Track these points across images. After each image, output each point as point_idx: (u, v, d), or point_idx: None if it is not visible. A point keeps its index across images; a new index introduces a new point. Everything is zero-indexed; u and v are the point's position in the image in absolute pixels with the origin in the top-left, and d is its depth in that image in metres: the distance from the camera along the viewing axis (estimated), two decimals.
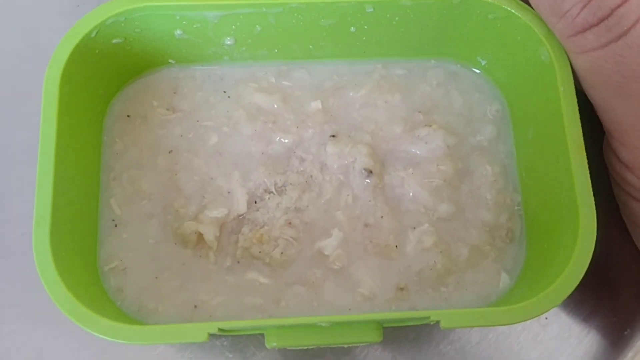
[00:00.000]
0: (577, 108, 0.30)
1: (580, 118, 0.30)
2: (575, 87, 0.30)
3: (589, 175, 0.29)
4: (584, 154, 0.29)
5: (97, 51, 0.32)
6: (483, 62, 0.36)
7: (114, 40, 0.32)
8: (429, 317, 0.27)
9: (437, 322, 0.27)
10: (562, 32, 0.29)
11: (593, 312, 0.35)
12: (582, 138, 0.29)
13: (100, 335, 0.26)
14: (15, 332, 0.34)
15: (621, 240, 0.35)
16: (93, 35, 0.31)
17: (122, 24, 0.31)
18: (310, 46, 0.35)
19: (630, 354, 0.34)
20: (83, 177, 0.32)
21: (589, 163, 0.29)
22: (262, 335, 0.29)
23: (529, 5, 0.31)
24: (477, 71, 0.36)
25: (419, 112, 0.35)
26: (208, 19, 0.32)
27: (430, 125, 0.35)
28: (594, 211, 0.28)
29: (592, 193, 0.29)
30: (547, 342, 0.34)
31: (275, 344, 0.28)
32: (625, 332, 0.34)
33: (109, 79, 0.34)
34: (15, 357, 0.33)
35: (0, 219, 0.35)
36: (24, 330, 0.34)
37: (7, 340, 0.33)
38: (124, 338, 0.26)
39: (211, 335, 0.27)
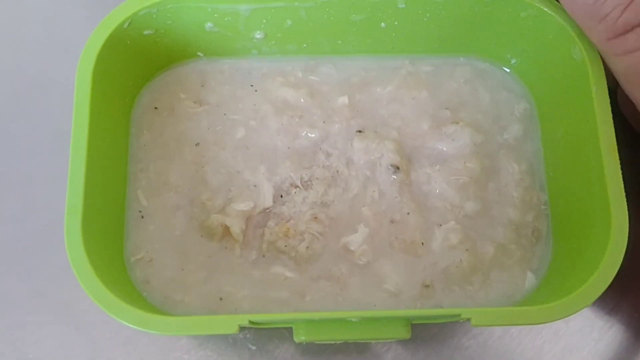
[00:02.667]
0: (609, 108, 0.29)
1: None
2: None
3: (621, 175, 0.29)
4: (617, 154, 0.29)
5: (128, 42, 0.32)
6: (513, 61, 0.36)
7: (146, 32, 0.32)
8: (459, 315, 0.27)
9: (467, 320, 0.27)
10: (601, 36, 0.29)
11: (615, 308, 0.35)
12: (614, 139, 0.29)
13: (130, 325, 0.26)
14: (36, 323, 0.34)
15: None
16: (126, 25, 0.31)
17: (154, 16, 0.32)
18: (339, 41, 0.35)
19: None
20: (112, 168, 0.32)
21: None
22: (287, 328, 0.29)
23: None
24: (507, 70, 0.36)
25: (446, 108, 0.35)
26: (240, 12, 0.32)
27: (457, 123, 0.35)
28: (627, 214, 0.28)
29: (624, 195, 0.28)
30: (569, 337, 0.34)
31: (303, 337, 0.28)
32: None
33: (138, 71, 0.34)
34: (36, 347, 0.33)
35: (24, 210, 0.35)
36: (44, 322, 0.34)
37: (26, 331, 0.34)
38: (153, 328, 0.26)
39: (241, 327, 0.27)
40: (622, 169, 0.29)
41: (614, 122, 0.30)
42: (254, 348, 0.34)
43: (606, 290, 0.27)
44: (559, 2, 0.31)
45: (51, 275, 0.34)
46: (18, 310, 0.34)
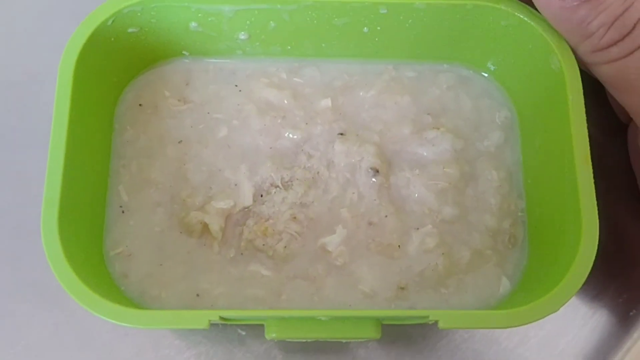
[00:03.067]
0: (584, 118, 0.30)
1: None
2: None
3: (593, 185, 0.29)
4: (590, 164, 0.29)
5: (112, 39, 0.32)
6: (493, 68, 0.36)
7: (130, 30, 0.33)
8: (427, 317, 0.27)
9: (436, 322, 0.27)
10: (586, 49, 0.31)
11: (599, 294, 0.35)
12: (588, 148, 0.29)
13: (104, 318, 0.27)
14: (29, 312, 0.34)
15: (629, 222, 0.36)
16: (109, 23, 0.31)
17: (139, 14, 0.32)
18: (323, 44, 0.35)
19: (635, 335, 0.35)
20: (93, 163, 0.32)
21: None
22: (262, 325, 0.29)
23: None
24: (486, 75, 0.36)
25: (428, 114, 0.36)
26: (223, 13, 0.33)
27: (438, 128, 0.35)
28: (597, 223, 0.28)
29: (595, 204, 0.29)
30: (553, 322, 0.34)
31: (274, 335, 0.28)
32: (631, 313, 0.35)
33: (123, 68, 0.34)
34: (28, 337, 0.34)
35: (15, 202, 0.36)
36: (37, 311, 0.34)
37: (21, 319, 0.34)
38: (126, 321, 0.27)
39: (212, 323, 0.27)
40: (607, 158, 0.30)
41: (601, 111, 0.30)
42: (243, 333, 0.34)
43: (590, 277, 0.28)
44: (540, 13, 0.32)
45: (43, 265, 0.34)
46: (10, 298, 0.34)
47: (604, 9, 0.29)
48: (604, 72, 0.31)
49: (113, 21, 0.31)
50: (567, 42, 0.31)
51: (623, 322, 0.35)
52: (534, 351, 0.35)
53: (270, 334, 0.28)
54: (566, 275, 0.28)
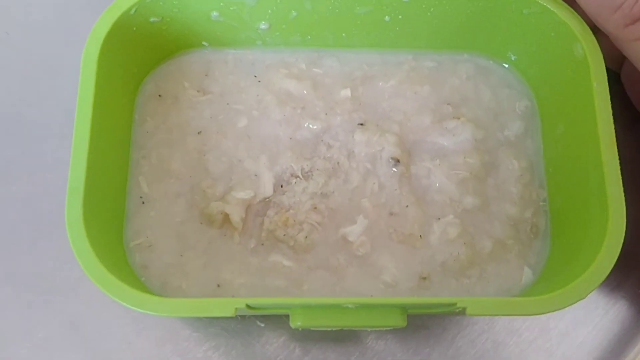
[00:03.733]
0: (609, 105, 0.30)
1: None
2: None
3: (619, 172, 0.29)
4: (616, 150, 0.29)
5: (134, 29, 0.32)
6: (513, 58, 0.36)
7: (152, 19, 0.33)
8: (455, 304, 0.27)
9: (463, 310, 0.27)
10: (617, 23, 0.30)
11: (620, 285, 0.35)
12: (614, 135, 0.29)
13: (129, 306, 0.27)
14: (50, 302, 0.34)
15: None
16: (132, 12, 0.31)
17: (161, 3, 0.32)
18: (343, 34, 0.35)
19: None
20: (114, 154, 0.32)
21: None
22: (287, 316, 0.29)
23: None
24: (506, 66, 0.36)
25: (448, 104, 0.36)
26: (245, 2, 0.33)
27: (458, 118, 0.35)
28: (624, 210, 0.28)
29: (622, 191, 0.29)
30: (574, 312, 0.35)
31: (299, 323, 0.28)
32: None
33: (143, 58, 0.34)
34: (47, 326, 0.34)
35: (35, 192, 0.36)
36: (58, 300, 0.34)
37: (41, 310, 0.34)
38: (152, 309, 0.27)
39: (238, 311, 0.27)
40: (623, 150, 0.29)
41: (617, 105, 0.30)
42: (262, 325, 0.34)
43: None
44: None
45: (62, 256, 0.34)
46: (29, 290, 0.34)
47: None
48: (637, 50, 0.30)
49: (136, 10, 0.31)
50: (597, 22, 0.31)
51: None
52: (554, 342, 0.35)
53: (296, 322, 0.28)
54: (594, 262, 0.28)
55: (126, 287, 0.27)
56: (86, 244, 0.27)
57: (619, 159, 0.29)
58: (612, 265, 0.28)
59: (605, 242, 0.28)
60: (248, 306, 0.27)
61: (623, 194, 0.29)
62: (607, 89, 0.30)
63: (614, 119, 0.30)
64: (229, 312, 0.27)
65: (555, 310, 0.27)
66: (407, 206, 0.33)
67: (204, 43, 0.36)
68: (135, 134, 0.34)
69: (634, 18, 0.29)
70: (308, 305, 0.28)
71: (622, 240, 0.28)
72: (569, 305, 0.27)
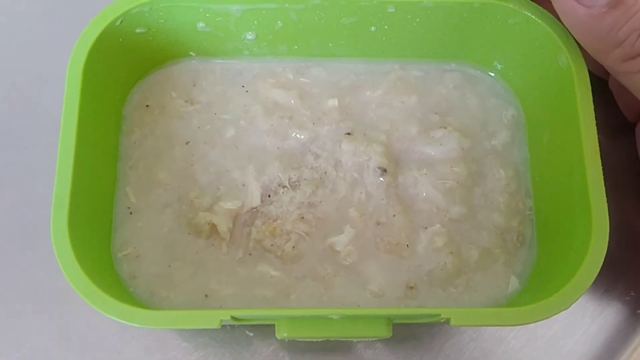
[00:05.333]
0: (593, 114, 0.30)
1: None
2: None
3: (602, 181, 0.29)
4: (599, 160, 0.29)
5: (120, 40, 0.32)
6: (499, 67, 0.36)
7: (138, 30, 0.33)
8: (439, 315, 0.27)
9: (447, 321, 0.27)
10: (617, 58, 0.29)
11: (607, 291, 0.35)
12: (597, 144, 0.29)
13: (115, 319, 0.27)
14: (37, 311, 0.34)
15: (635, 220, 0.36)
16: (118, 23, 0.31)
17: (147, 14, 0.32)
18: (330, 44, 0.35)
19: None
20: (101, 164, 0.32)
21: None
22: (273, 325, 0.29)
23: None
24: (493, 75, 0.36)
25: (435, 113, 0.36)
26: (231, 13, 0.33)
27: (445, 127, 0.35)
28: (607, 219, 0.28)
29: (605, 200, 0.29)
30: (561, 320, 0.34)
31: (285, 334, 0.28)
32: (638, 311, 0.35)
33: (130, 68, 0.34)
34: (36, 337, 0.34)
35: (22, 201, 0.36)
36: (45, 310, 0.34)
37: (28, 319, 0.34)
38: (137, 322, 0.27)
39: (223, 323, 0.27)
40: (611, 156, 0.29)
41: (605, 112, 0.30)
42: (251, 334, 0.34)
43: (598, 275, 0.28)
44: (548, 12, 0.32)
45: (49, 266, 0.34)
46: (17, 299, 0.34)
47: (633, 14, 0.27)
48: (636, 82, 0.30)
49: (122, 21, 0.31)
50: (595, 55, 0.30)
51: (631, 320, 0.35)
52: (542, 350, 0.35)
53: (282, 334, 0.28)
54: (577, 272, 0.28)
55: (111, 299, 0.27)
56: (71, 256, 0.27)
57: (606, 166, 0.29)
58: (595, 275, 0.28)
59: (588, 253, 0.28)
60: (233, 318, 0.27)
61: (606, 202, 0.29)
62: (591, 98, 0.30)
63: (600, 126, 0.30)
64: (214, 324, 0.27)
65: (539, 321, 0.27)
66: (394, 215, 0.33)
67: (191, 53, 0.36)
68: (122, 144, 0.34)
69: (634, 54, 0.29)
70: (293, 317, 0.28)
71: (605, 249, 0.28)
72: (552, 316, 0.27)
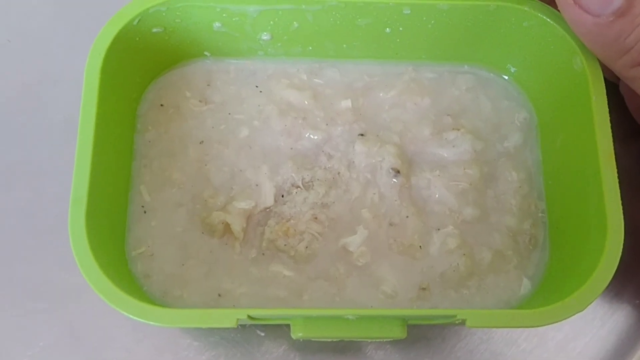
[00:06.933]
0: (608, 117, 0.30)
1: None
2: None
3: (617, 183, 0.29)
4: (614, 162, 0.29)
5: (137, 39, 0.32)
6: (513, 70, 0.36)
7: (154, 29, 0.33)
8: (455, 316, 0.27)
9: (463, 322, 0.27)
10: (625, 64, 0.30)
11: (617, 295, 0.35)
12: (612, 147, 0.29)
13: (132, 317, 0.27)
14: (48, 311, 0.34)
15: None
16: (135, 22, 0.31)
17: (164, 14, 0.32)
18: (344, 45, 0.35)
19: None
20: (116, 163, 0.32)
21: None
22: (287, 325, 0.29)
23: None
24: (506, 77, 0.37)
25: (448, 115, 0.36)
26: (248, 13, 0.33)
27: (458, 129, 0.35)
28: (622, 223, 0.29)
29: (620, 202, 0.29)
30: (572, 323, 0.35)
31: (300, 334, 0.28)
32: None
33: (146, 68, 0.34)
34: (47, 335, 0.34)
35: (34, 200, 0.36)
36: (55, 308, 0.34)
37: (39, 319, 0.34)
38: (154, 319, 0.27)
39: (240, 321, 0.27)
40: (622, 160, 0.30)
41: (616, 116, 0.30)
42: (262, 334, 0.34)
43: None
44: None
45: (62, 264, 0.34)
46: (29, 298, 0.34)
47: None
48: None
49: (139, 21, 0.31)
50: (603, 60, 0.30)
51: None
52: (552, 353, 0.35)
53: (297, 334, 0.28)
54: (593, 274, 0.28)
55: (128, 297, 0.27)
56: (89, 254, 0.27)
57: (618, 170, 0.29)
58: (610, 277, 0.28)
59: (603, 254, 0.28)
60: (250, 317, 0.27)
61: (621, 207, 0.29)
62: (606, 102, 0.30)
63: (612, 130, 0.30)
64: (231, 323, 0.27)
65: (555, 322, 0.27)
66: (407, 217, 0.34)
67: (205, 53, 0.36)
68: (137, 143, 0.34)
69: None
70: (309, 317, 0.28)
71: (620, 253, 0.28)
72: (567, 318, 0.27)
